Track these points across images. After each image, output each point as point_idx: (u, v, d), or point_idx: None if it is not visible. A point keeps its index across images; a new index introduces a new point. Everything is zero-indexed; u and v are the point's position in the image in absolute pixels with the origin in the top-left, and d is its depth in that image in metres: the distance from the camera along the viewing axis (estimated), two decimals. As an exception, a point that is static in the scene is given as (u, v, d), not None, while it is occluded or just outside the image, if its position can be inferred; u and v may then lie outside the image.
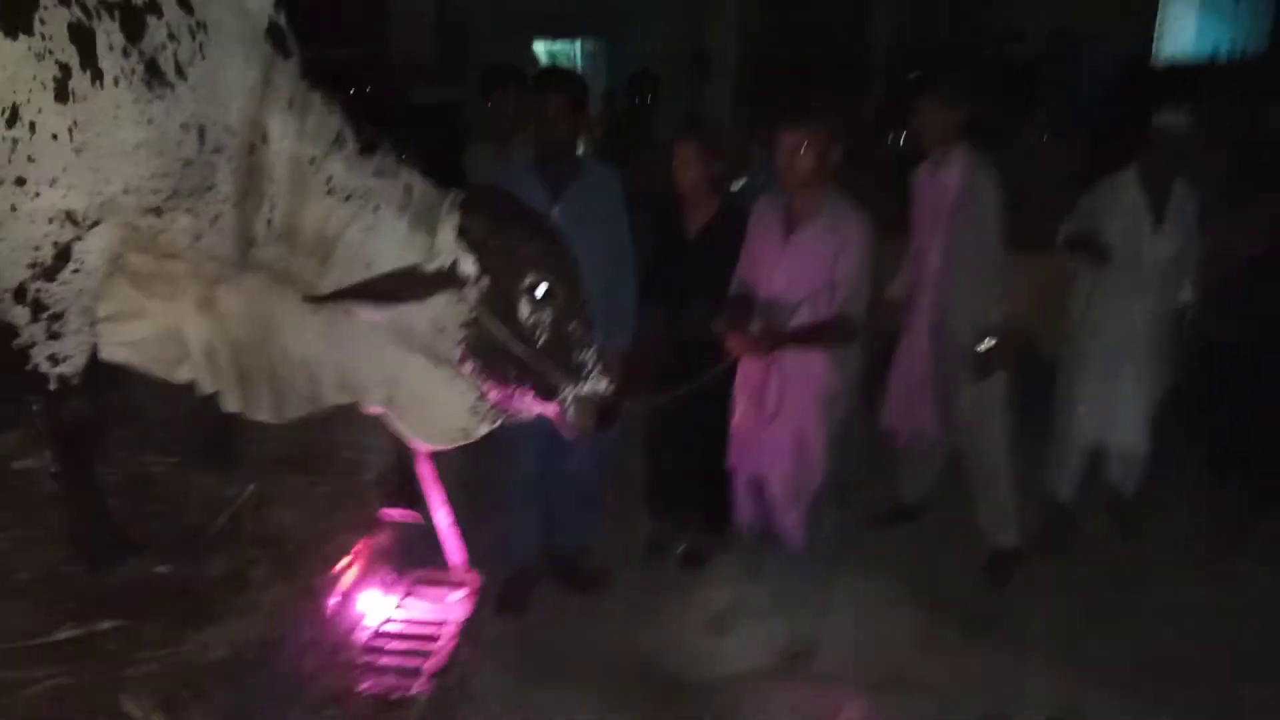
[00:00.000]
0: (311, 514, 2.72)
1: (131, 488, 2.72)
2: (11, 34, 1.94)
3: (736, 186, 4.63)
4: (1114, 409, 4.27)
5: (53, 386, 2.20)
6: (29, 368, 2.18)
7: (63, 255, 2.09)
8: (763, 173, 4.28)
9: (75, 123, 2.00)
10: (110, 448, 2.80)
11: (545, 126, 3.64)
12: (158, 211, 2.18)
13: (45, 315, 2.13)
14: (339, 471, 2.98)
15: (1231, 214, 4.34)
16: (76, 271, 2.12)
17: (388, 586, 2.91)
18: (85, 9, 1.99)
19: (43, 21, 1.95)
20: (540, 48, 12.14)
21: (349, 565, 2.68)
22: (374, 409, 2.63)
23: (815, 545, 3.59)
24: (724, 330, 3.40)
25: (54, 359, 2.18)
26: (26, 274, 2.08)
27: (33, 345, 2.16)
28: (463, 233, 2.41)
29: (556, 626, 3.82)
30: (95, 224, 2.10)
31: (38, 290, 2.10)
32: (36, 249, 2.07)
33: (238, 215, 2.29)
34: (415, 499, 3.16)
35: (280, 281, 2.44)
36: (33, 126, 1.98)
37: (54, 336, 2.16)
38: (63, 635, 2.11)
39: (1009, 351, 3.97)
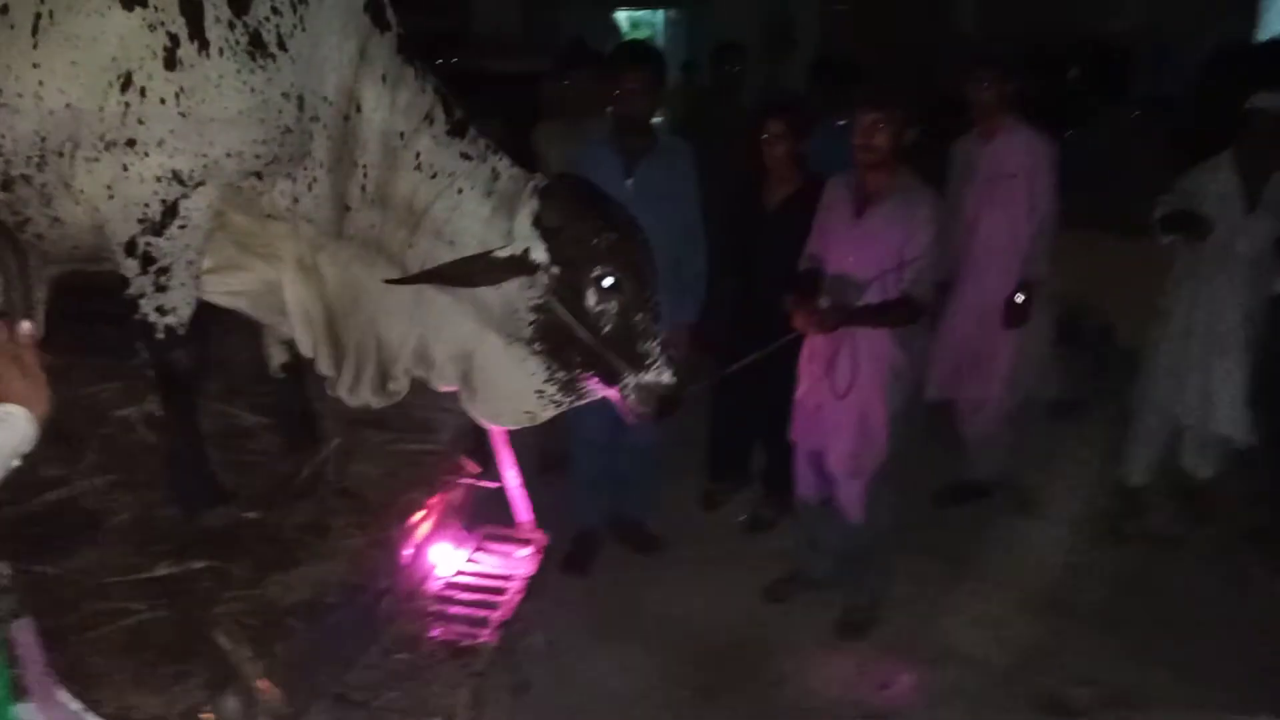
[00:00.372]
0: (389, 469, 2.85)
1: (222, 439, 2.87)
2: (127, 6, 2.08)
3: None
4: (1202, 395, 4.21)
5: (159, 336, 2.34)
6: (138, 317, 2.33)
7: (170, 212, 2.22)
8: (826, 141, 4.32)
9: (182, 89, 2.13)
10: (203, 400, 2.99)
11: (621, 101, 3.69)
12: (259, 175, 2.30)
13: (154, 268, 2.27)
14: (416, 429, 3.08)
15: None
16: (183, 228, 2.25)
17: (459, 541, 3.03)
18: None
19: None
20: (623, 17, 12.13)
21: (423, 519, 2.80)
22: (447, 386, 2.71)
23: (874, 520, 3.62)
24: (793, 305, 3.45)
25: (161, 310, 2.32)
26: (137, 229, 2.23)
27: (142, 296, 2.30)
28: (538, 220, 2.46)
29: (620, 586, 3.95)
30: (200, 184, 2.22)
31: (147, 244, 2.24)
32: (146, 205, 2.21)
33: (332, 181, 2.39)
34: (487, 459, 3.28)
35: (371, 251, 2.54)
36: (143, 92, 2.11)
37: (161, 289, 2.30)
38: (160, 572, 2.27)
39: (1038, 303, 4.31)
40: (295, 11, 2.24)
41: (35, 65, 2.11)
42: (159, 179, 2.19)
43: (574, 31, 10.20)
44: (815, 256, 3.63)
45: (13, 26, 2.08)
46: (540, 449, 3.87)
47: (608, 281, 2.46)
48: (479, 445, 3.26)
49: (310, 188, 2.38)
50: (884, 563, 3.78)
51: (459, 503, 3.04)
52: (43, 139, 2.15)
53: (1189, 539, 4.34)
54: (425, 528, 2.83)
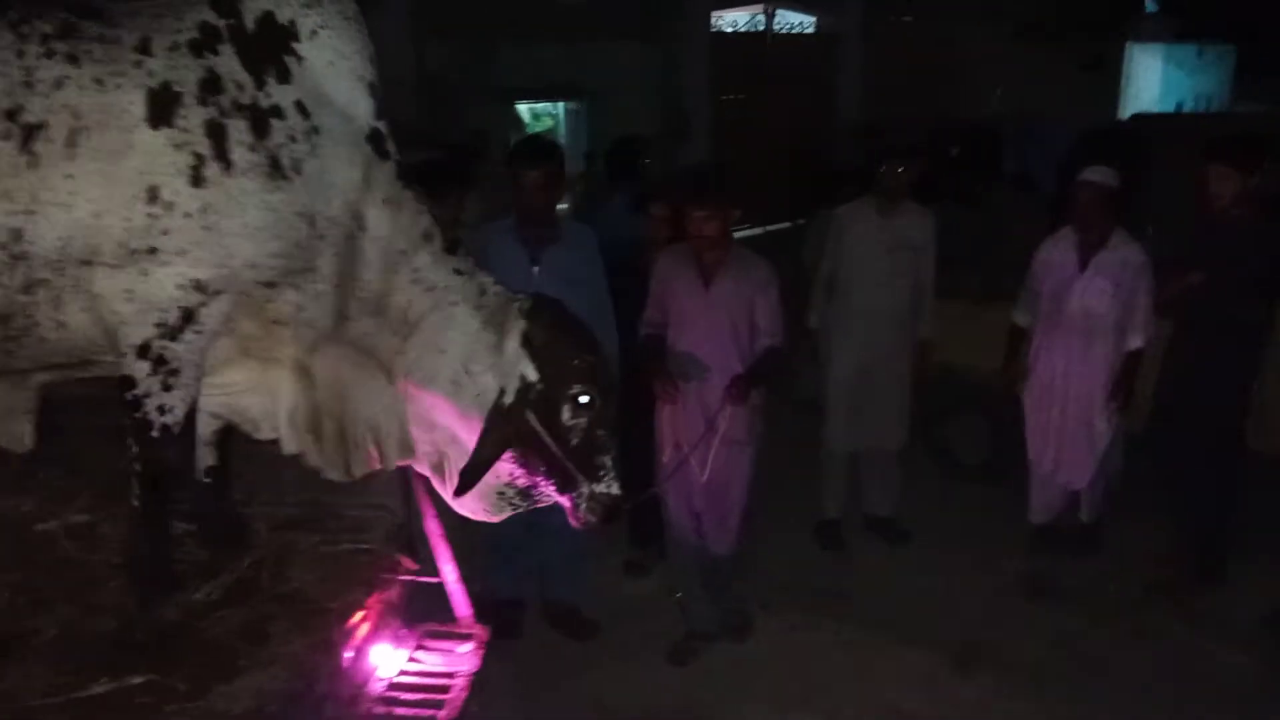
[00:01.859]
0: (324, 571, 2.80)
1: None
2: (155, 126, 2.23)
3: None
4: (1064, 450, 4.59)
5: (155, 434, 2.40)
6: (137, 416, 2.38)
7: (188, 318, 2.32)
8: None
9: (206, 205, 2.26)
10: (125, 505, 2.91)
11: (524, 195, 3.83)
12: (270, 285, 2.42)
13: (164, 370, 2.35)
14: (348, 529, 3.05)
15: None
16: (198, 333, 2.35)
17: (399, 640, 2.98)
18: (221, 109, 2.28)
19: (184, 117, 2.25)
20: (524, 109, 12.40)
21: (362, 619, 2.75)
22: (421, 469, 2.87)
23: (734, 554, 4.01)
24: (655, 374, 3.77)
25: (162, 409, 2.39)
26: (154, 333, 2.32)
27: (147, 396, 2.37)
28: (526, 340, 2.66)
29: (560, 674, 3.92)
30: (219, 292, 2.34)
31: (162, 348, 2.33)
32: (165, 311, 2.31)
33: (336, 293, 2.53)
34: (420, 557, 3.25)
35: (363, 355, 2.65)
36: (170, 206, 2.25)
37: (167, 389, 2.38)
38: (97, 690, 2.19)
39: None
40: (309, 140, 2.40)
41: (68, 176, 2.20)
42: (180, 286, 2.30)
43: (476, 123, 10.40)
44: (657, 325, 3.95)
45: (51, 140, 2.18)
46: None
47: (584, 399, 2.67)
48: (412, 542, 3.24)
49: (316, 298, 2.50)
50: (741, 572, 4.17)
51: (397, 601, 3.00)
52: (65, 245, 2.22)
53: (1098, 593, 4.52)
54: (365, 628, 2.77)
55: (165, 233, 2.25)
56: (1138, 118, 10.53)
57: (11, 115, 2.16)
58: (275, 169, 2.33)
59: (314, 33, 2.45)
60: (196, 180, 2.26)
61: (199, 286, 2.31)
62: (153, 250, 2.26)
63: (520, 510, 2.87)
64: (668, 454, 3.96)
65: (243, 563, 2.75)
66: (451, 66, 11.21)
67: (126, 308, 2.29)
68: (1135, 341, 4.46)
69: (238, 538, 2.86)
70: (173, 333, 2.32)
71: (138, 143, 2.23)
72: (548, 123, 12.63)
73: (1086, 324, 4.48)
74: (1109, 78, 13.50)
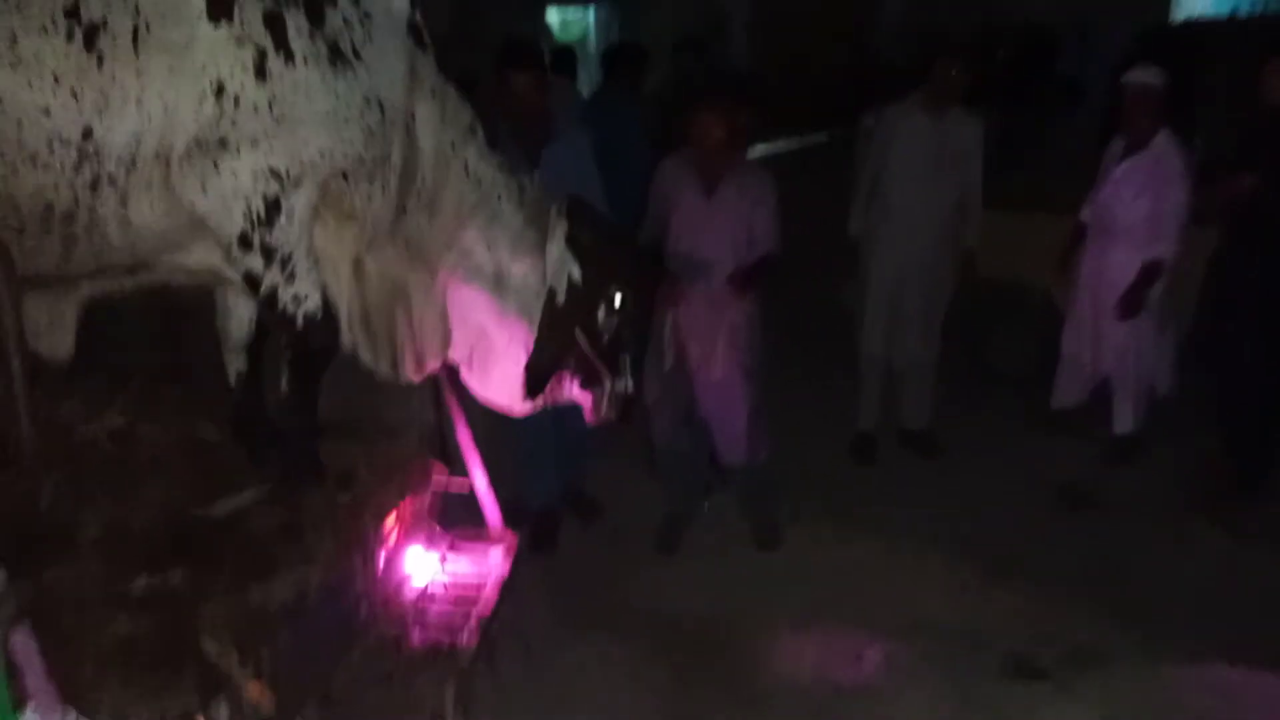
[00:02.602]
0: (358, 475, 2.83)
1: (185, 451, 2.85)
2: (214, 21, 2.22)
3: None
4: (1097, 345, 4.78)
5: (300, 325, 2.47)
6: (277, 313, 2.45)
7: (274, 207, 2.34)
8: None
9: (274, 96, 2.26)
10: (165, 412, 2.96)
11: (516, 99, 3.86)
12: (346, 175, 2.43)
13: (277, 259, 2.38)
14: (381, 435, 3.08)
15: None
16: (289, 221, 2.37)
17: (431, 543, 3.04)
18: (276, 1, 2.27)
19: (241, 9, 2.24)
20: (554, 16, 12.15)
21: (395, 523, 2.80)
22: (456, 360, 2.95)
23: (755, 453, 4.09)
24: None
25: (297, 299, 2.44)
26: (245, 225, 2.34)
27: (275, 289, 2.42)
28: (571, 240, 2.75)
29: (589, 578, 3.99)
30: (298, 182, 2.35)
31: (263, 239, 2.35)
32: (247, 200, 2.32)
33: (399, 186, 2.55)
34: (453, 462, 3.30)
35: (411, 251, 2.71)
36: (236, 100, 2.24)
37: (291, 278, 2.42)
38: (135, 585, 2.25)
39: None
40: (364, 25, 2.41)
41: (137, 73, 2.18)
42: (256, 176, 2.31)
43: (504, 30, 10.21)
44: (654, 234, 3.97)
45: (115, 38, 2.16)
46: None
47: (618, 298, 2.78)
48: (444, 448, 3.28)
49: (384, 190, 2.52)
50: (771, 483, 4.27)
51: (429, 505, 3.04)
52: (137, 140, 2.22)
53: (1138, 505, 4.49)
54: (398, 531, 2.83)
55: (235, 125, 2.26)
56: (1189, 24, 10.16)
57: (71, 14, 2.12)
58: (336, 55, 2.34)
59: None
60: (261, 74, 2.25)
61: (275, 175, 2.32)
62: (223, 142, 2.26)
63: (543, 403, 2.96)
64: (668, 359, 3.98)
65: (278, 466, 2.80)
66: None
67: (206, 201, 2.31)
68: (1157, 250, 4.37)
69: (273, 442, 2.91)
70: (264, 221, 2.34)
71: (200, 37, 2.22)
72: (578, 29, 12.38)
73: (1111, 225, 4.46)
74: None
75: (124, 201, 2.27)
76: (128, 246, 2.36)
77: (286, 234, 2.37)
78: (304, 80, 2.29)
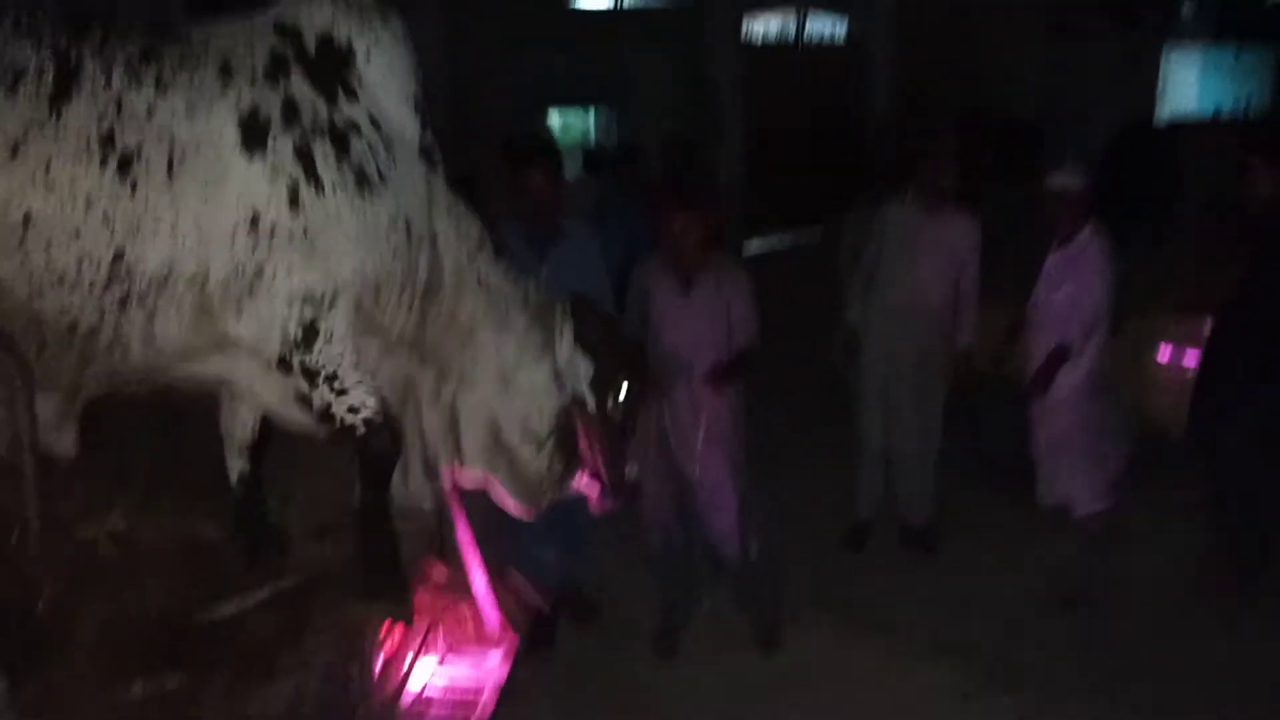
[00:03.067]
0: (357, 578, 2.82)
1: (185, 552, 2.84)
2: (249, 155, 2.32)
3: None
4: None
5: (361, 432, 2.52)
6: (336, 427, 2.50)
7: (311, 330, 2.41)
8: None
9: (307, 225, 2.35)
10: (163, 513, 2.96)
11: (529, 195, 3.93)
12: (377, 292, 2.51)
13: (323, 379, 2.45)
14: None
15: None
16: (329, 342, 2.44)
17: (430, 647, 3.01)
18: (305, 132, 2.38)
19: (274, 142, 2.34)
20: (554, 117, 12.45)
21: (394, 627, 2.78)
22: (471, 470, 2.99)
23: (750, 547, 4.07)
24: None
25: (353, 409, 2.50)
26: (283, 348, 2.41)
27: (329, 407, 2.48)
28: (578, 338, 2.88)
29: (589, 678, 3.95)
30: (334, 304, 2.42)
31: (303, 361, 2.43)
32: (285, 325, 2.39)
33: (423, 299, 2.64)
34: (451, 565, 3.28)
35: (426, 357, 2.79)
36: (273, 230, 2.33)
37: (343, 393, 2.48)
38: (131, 692, 2.22)
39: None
40: (388, 150, 2.52)
41: (171, 202, 2.26)
42: (292, 302, 2.38)
43: (506, 131, 10.45)
44: (636, 335, 4.00)
45: (149, 167, 2.23)
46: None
47: (626, 391, 2.91)
48: (444, 550, 3.27)
49: (410, 305, 2.61)
50: (770, 581, 4.23)
51: (429, 608, 3.02)
52: (170, 265, 2.28)
53: (1134, 600, 4.46)
54: (397, 635, 2.80)
55: (270, 253, 2.34)
56: (1173, 123, 10.43)
57: (107, 142, 2.19)
58: (363, 180, 2.43)
59: (369, 51, 2.55)
60: (294, 204, 2.35)
61: (310, 300, 2.39)
62: (259, 270, 2.35)
63: (555, 498, 3.05)
64: (651, 455, 4.00)
65: (278, 569, 2.79)
66: (482, 75, 11.29)
67: (243, 325, 2.38)
68: (1070, 335, 4.49)
69: (273, 545, 2.91)
70: (303, 344, 2.41)
71: (234, 169, 2.31)
72: (577, 129, 12.67)
73: (1041, 316, 4.60)
74: (1145, 79, 13.35)
75: (151, 319, 2.32)
76: (147, 359, 2.41)
77: (328, 354, 2.44)
78: (334, 207, 2.38)
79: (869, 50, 14.35)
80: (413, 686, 2.87)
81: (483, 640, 3.16)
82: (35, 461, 2.10)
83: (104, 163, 2.18)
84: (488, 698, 2.91)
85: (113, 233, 2.20)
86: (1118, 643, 4.16)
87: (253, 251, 2.33)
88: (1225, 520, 4.54)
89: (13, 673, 2.18)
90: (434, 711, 2.82)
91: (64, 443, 2.64)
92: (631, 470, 3.07)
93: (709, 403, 3.95)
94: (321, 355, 2.43)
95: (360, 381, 2.51)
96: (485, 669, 3.06)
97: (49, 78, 2.16)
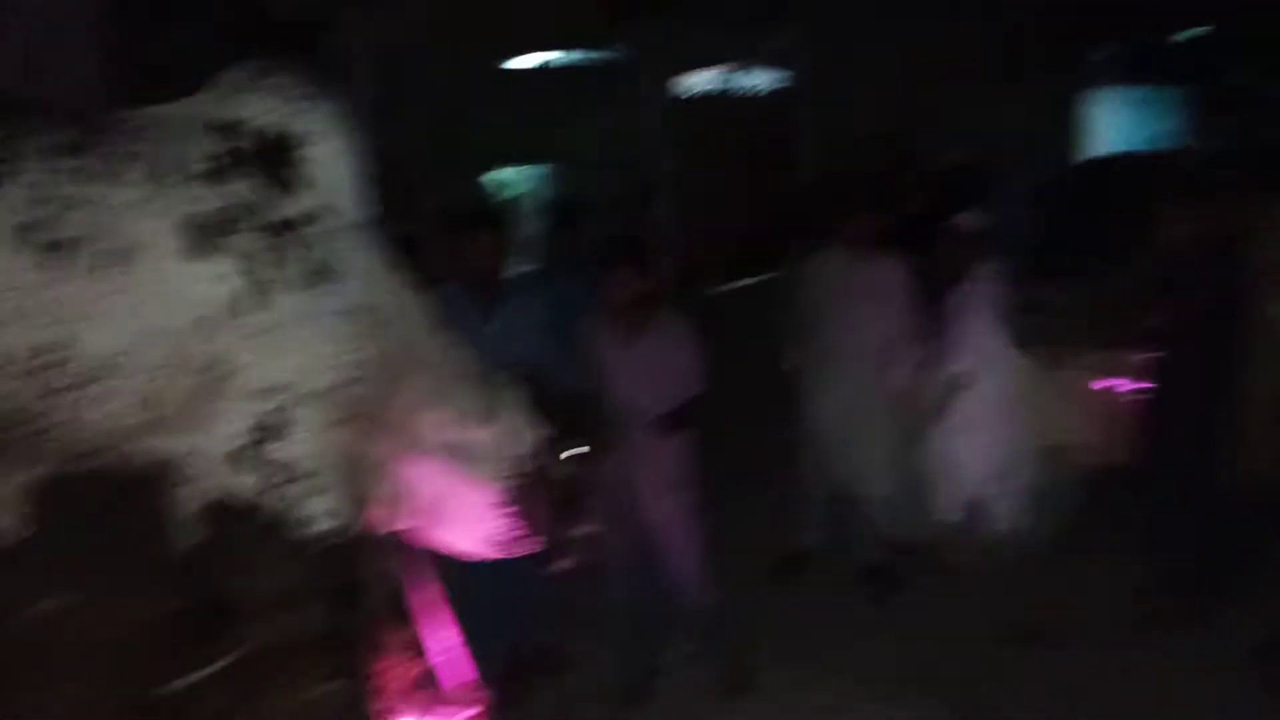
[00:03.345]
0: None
1: (142, 626, 2.75)
2: (190, 259, 2.27)
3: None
4: None
5: (333, 540, 2.50)
6: (306, 533, 2.47)
7: (268, 429, 2.37)
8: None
9: (255, 328, 2.32)
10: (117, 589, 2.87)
11: (474, 259, 3.99)
12: (334, 387, 2.46)
13: (285, 476, 2.41)
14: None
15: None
16: (304, 433, 2.40)
17: (400, 710, 2.94)
18: (246, 234, 2.33)
19: (215, 249, 2.29)
20: (491, 178, 12.51)
21: (362, 690, 2.72)
22: (415, 520, 2.97)
23: (709, 594, 4.13)
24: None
25: (329, 514, 2.48)
26: (241, 442, 2.37)
27: (293, 508, 2.44)
28: (536, 401, 2.95)
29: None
30: (291, 402, 2.38)
31: (263, 456, 2.39)
32: (240, 421, 2.36)
33: (377, 378, 2.59)
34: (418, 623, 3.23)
35: (371, 432, 2.70)
36: (217, 334, 2.30)
37: (310, 495, 2.45)
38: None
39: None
40: (329, 242, 2.46)
41: (102, 296, 2.19)
42: (246, 398, 2.35)
43: (441, 190, 10.49)
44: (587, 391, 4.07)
45: (74, 259, 2.16)
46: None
47: (577, 451, 2.99)
48: (411, 610, 3.21)
49: (364, 388, 2.55)
50: (733, 621, 4.24)
51: (398, 670, 2.96)
52: (108, 357, 2.21)
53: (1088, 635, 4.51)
54: (365, 699, 2.74)
55: (220, 356, 2.31)
56: (1093, 161, 10.78)
57: (24, 230, 2.12)
58: (308, 275, 2.39)
59: (306, 137, 2.50)
60: (237, 310, 2.31)
61: (268, 392, 2.35)
62: (209, 368, 2.31)
63: (503, 554, 3.08)
64: (606, 505, 3.95)
65: (237, 639, 2.71)
66: (416, 140, 11.33)
67: (200, 415, 2.34)
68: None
69: (221, 619, 2.82)
70: (272, 435, 2.36)
71: (176, 275, 2.26)
72: (515, 189, 12.75)
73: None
74: (1064, 123, 13.81)
75: (84, 408, 2.24)
76: (76, 446, 2.33)
77: (303, 447, 2.40)
78: (283, 307, 2.35)
79: (803, 101, 14.69)
80: None
81: (450, 702, 3.11)
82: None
83: (18, 250, 2.11)
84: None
85: (34, 324, 2.13)
86: (1082, 674, 4.19)
87: (201, 353, 2.30)
88: (1164, 553, 4.65)
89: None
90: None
91: (2, 528, 2.55)
92: (581, 530, 3.10)
93: (658, 451, 3.99)
94: (281, 453, 2.39)
95: (334, 487, 2.47)
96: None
97: None
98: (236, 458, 2.38)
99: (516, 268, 5.62)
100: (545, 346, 4.04)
